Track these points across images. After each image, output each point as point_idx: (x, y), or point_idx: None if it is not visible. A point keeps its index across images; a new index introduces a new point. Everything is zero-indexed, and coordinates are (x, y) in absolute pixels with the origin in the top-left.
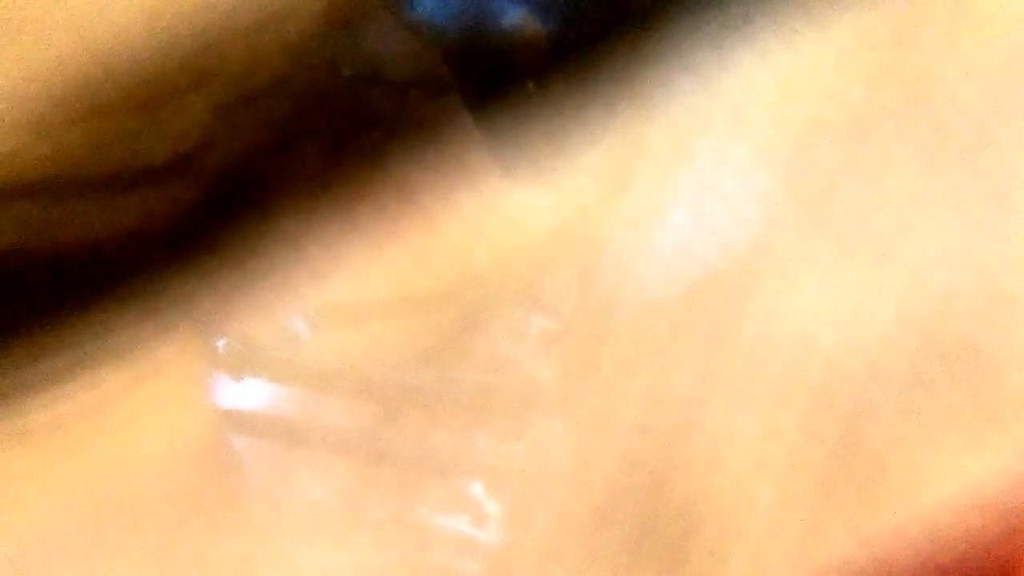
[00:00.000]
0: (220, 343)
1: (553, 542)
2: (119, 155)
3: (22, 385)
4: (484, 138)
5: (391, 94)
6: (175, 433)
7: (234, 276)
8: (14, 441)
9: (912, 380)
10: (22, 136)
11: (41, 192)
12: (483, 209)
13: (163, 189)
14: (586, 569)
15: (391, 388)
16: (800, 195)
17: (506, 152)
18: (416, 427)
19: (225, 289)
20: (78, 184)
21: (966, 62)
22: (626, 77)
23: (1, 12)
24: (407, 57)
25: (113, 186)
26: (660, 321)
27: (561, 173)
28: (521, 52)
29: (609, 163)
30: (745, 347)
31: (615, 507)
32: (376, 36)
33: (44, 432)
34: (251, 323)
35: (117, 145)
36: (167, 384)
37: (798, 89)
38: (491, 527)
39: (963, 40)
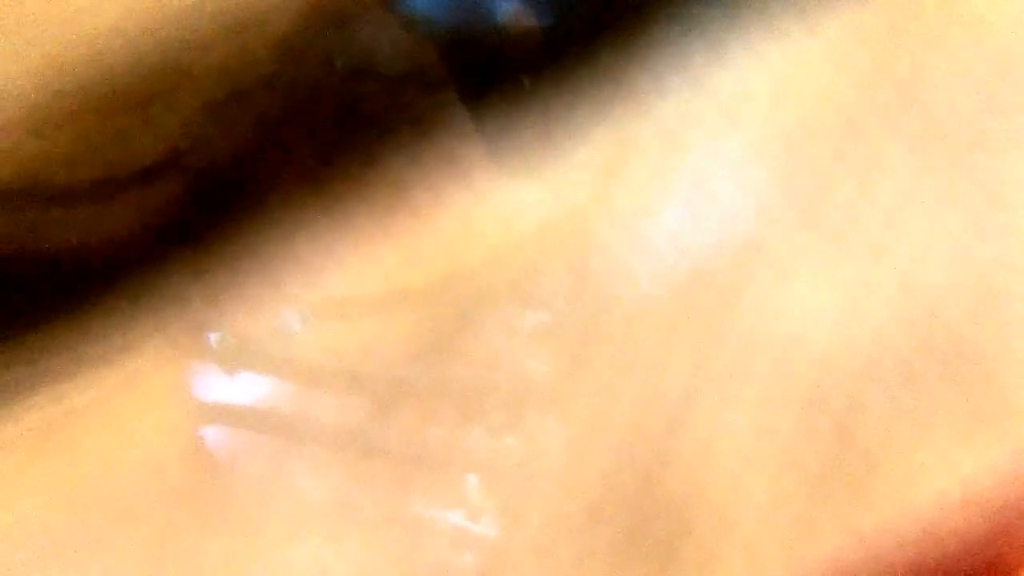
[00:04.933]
0: (212, 338)
1: (547, 537)
2: (110, 154)
3: (13, 386)
4: (477, 133)
5: (383, 90)
6: (166, 430)
7: (226, 272)
8: (5, 441)
9: (904, 378)
10: (11, 135)
11: (30, 191)
12: (475, 204)
13: (154, 187)
14: (580, 564)
15: (383, 384)
16: (792, 193)
17: (499, 147)
18: (409, 422)
19: (217, 286)
20: (68, 183)
21: (958, 60)
22: (619, 73)
23: None
24: (400, 52)
25: (104, 184)
26: (653, 318)
27: (554, 168)
28: (514, 47)
29: (602, 159)
30: (737, 344)
31: (608, 503)
32: (368, 31)
33: (35, 432)
34: (243, 319)
35: (108, 144)
36: (158, 381)
37: (790, 87)
38: (485, 522)
39: (955, 38)
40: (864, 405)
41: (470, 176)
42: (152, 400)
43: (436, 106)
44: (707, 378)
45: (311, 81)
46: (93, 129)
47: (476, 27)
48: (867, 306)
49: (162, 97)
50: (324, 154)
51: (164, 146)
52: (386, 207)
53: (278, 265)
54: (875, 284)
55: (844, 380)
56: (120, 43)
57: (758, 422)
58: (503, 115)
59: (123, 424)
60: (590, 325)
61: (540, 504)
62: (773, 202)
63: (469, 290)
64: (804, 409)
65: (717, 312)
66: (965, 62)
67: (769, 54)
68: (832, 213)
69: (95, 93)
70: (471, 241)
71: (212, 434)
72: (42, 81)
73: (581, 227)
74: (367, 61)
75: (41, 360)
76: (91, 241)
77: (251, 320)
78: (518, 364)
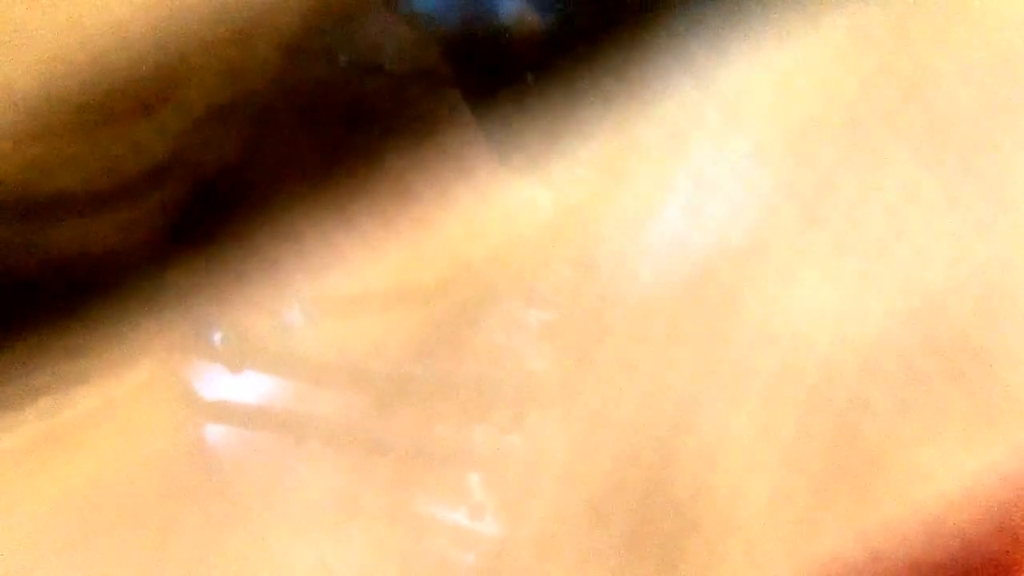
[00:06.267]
0: (217, 336)
1: (550, 535)
2: (117, 155)
3: (22, 387)
4: (481, 131)
5: (388, 88)
6: (171, 428)
7: (230, 271)
8: (12, 442)
9: (907, 376)
10: (17, 137)
11: (38, 193)
12: (479, 202)
13: (160, 187)
14: (583, 563)
15: (387, 381)
16: (796, 192)
17: (503, 145)
18: (413, 419)
19: (222, 284)
20: (74, 185)
21: (962, 59)
22: (623, 72)
23: None
24: (404, 51)
25: (111, 185)
26: (656, 316)
27: (558, 167)
28: (519, 45)
29: (606, 157)
30: (741, 343)
31: (612, 501)
32: (373, 30)
33: (43, 433)
34: (248, 317)
35: (115, 145)
36: (163, 380)
37: (794, 86)
38: (488, 519)
39: (959, 37)
40: (867, 404)
41: (474, 174)
42: (157, 399)
43: (440, 104)
44: (711, 377)
45: (316, 80)
46: (98, 131)
47: (480, 25)
48: (870, 305)
49: (168, 98)
50: (329, 153)
51: (170, 147)
52: (390, 205)
53: (283, 263)
54: (878, 283)
55: (847, 379)
56: (125, 45)
57: (762, 421)
58: (507, 113)
59: (128, 423)
60: (594, 323)
61: (543, 502)
62: (776, 201)
63: (473, 288)
64: (808, 408)
65: (720, 311)
66: (969, 62)
67: (773, 54)
68: (835, 212)
69: (100, 95)
70: (475, 239)
71: (217, 432)
72: (46, 84)
73: (585, 225)
74: (372, 59)
75: (48, 360)
76: (97, 241)
77: (256, 318)
78: (522, 362)
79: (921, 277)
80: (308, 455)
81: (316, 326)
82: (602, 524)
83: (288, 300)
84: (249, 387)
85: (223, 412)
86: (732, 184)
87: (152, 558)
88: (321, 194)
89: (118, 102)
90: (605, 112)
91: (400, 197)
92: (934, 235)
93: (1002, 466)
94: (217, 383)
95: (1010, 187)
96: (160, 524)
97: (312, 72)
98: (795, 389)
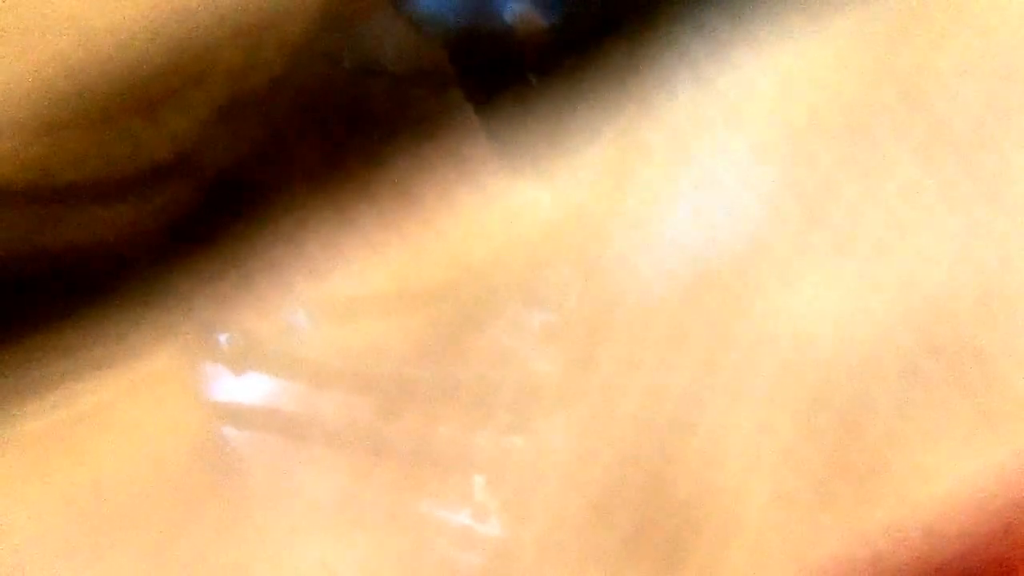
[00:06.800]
0: (221, 339)
1: (553, 537)
2: (119, 155)
3: (24, 387)
4: (484, 133)
5: (391, 89)
6: (175, 429)
7: (235, 273)
8: (15, 443)
9: (909, 377)
10: (21, 136)
11: (40, 193)
12: (482, 204)
13: (163, 188)
14: (585, 563)
15: (390, 383)
16: (798, 192)
17: (506, 146)
18: (416, 422)
19: (226, 286)
20: (76, 184)
21: (963, 59)
22: (626, 73)
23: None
24: (408, 52)
25: (113, 185)
26: (659, 317)
27: (561, 168)
28: (522, 46)
29: (608, 159)
30: (743, 344)
31: (614, 502)
32: (377, 31)
33: (45, 433)
34: (252, 319)
35: (117, 145)
36: (167, 382)
37: (796, 87)
38: (491, 521)
39: (960, 38)
40: (869, 404)
41: (477, 176)
42: (161, 400)
43: (443, 106)
44: (712, 377)
45: (319, 82)
46: (101, 131)
47: (484, 27)
48: (871, 306)
49: (172, 98)
50: (332, 155)
51: (173, 147)
52: (393, 207)
53: (286, 265)
54: (880, 283)
55: (849, 379)
56: (129, 44)
57: (764, 422)
58: (510, 115)
59: (132, 424)
60: (597, 325)
61: (546, 504)
62: (779, 202)
63: (476, 290)
64: (809, 408)
65: (723, 311)
66: (970, 63)
67: (776, 54)
68: (837, 213)
69: (103, 94)
70: (478, 241)
71: (220, 433)
72: (49, 81)
73: (588, 227)
74: (375, 61)
75: (51, 361)
76: (100, 242)
77: (260, 320)
78: (524, 363)
79: (922, 278)
80: (311, 457)
81: (319, 328)
82: (604, 524)
83: (291, 302)
84: (252, 389)
85: (226, 413)
86: (734, 185)
87: (154, 559)
88: (324, 195)
89: (121, 102)
90: (607, 113)
91: (403, 198)
92: (934, 235)
93: (1003, 467)
94: (220, 385)
95: (1010, 187)
96: (162, 525)
97: (315, 73)
98: (797, 390)
